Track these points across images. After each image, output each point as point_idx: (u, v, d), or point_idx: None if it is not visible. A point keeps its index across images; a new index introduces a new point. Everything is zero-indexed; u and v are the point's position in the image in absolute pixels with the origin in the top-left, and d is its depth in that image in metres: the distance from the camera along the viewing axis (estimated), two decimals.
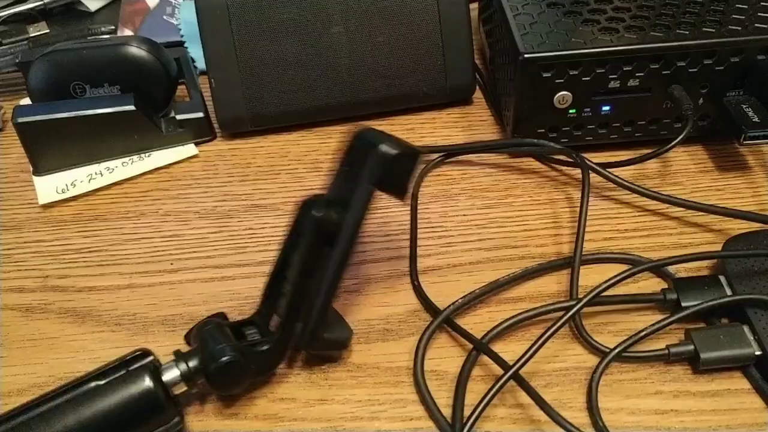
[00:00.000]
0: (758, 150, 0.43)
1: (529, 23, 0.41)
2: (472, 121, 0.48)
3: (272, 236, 0.40)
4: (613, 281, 0.32)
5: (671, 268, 0.35)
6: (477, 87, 0.50)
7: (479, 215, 0.40)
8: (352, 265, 0.37)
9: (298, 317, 0.30)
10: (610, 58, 0.39)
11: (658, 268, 0.34)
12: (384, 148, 0.30)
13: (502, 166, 0.44)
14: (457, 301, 0.34)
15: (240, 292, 0.37)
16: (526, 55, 0.39)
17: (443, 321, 0.33)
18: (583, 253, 0.36)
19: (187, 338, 0.31)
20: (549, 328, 0.30)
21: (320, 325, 0.30)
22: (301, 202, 0.32)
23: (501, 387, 0.29)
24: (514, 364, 0.29)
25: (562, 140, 0.43)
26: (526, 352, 0.30)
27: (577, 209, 0.40)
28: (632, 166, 0.42)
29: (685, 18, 0.40)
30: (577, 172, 0.42)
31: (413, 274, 0.36)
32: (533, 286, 0.36)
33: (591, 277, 0.36)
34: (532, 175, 0.43)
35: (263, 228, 0.40)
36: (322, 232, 0.30)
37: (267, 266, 0.38)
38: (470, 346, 0.33)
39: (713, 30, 0.39)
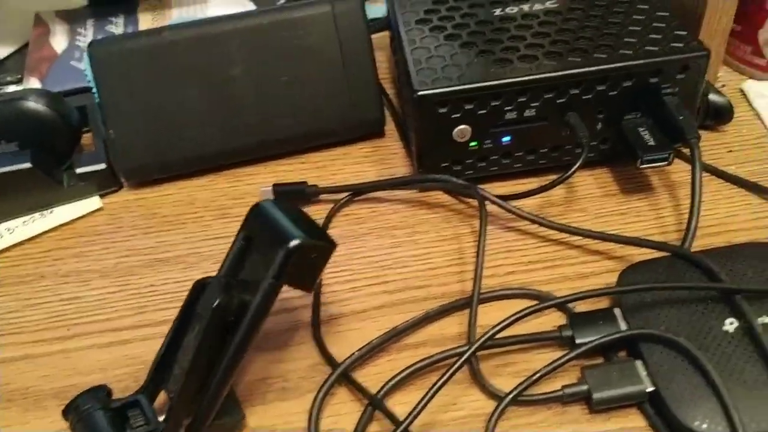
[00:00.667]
0: (662, 170, 0.43)
1: (426, 57, 0.41)
2: (384, 155, 0.47)
3: (174, 292, 0.39)
4: (503, 324, 0.32)
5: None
6: (391, 118, 0.50)
7: (386, 255, 0.40)
8: None
9: (188, 407, 0.29)
10: (503, 90, 0.39)
11: (550, 307, 0.34)
12: (295, 244, 0.28)
13: (411, 201, 0.43)
14: (353, 354, 0.33)
15: (137, 357, 0.36)
16: (420, 93, 0.38)
17: (339, 377, 0.32)
18: (484, 291, 0.36)
19: (66, 414, 0.30)
20: (438, 381, 0.29)
21: (210, 416, 0.29)
22: (197, 284, 0.30)
23: None
24: (403, 422, 0.29)
25: (467, 172, 0.42)
26: (415, 407, 0.29)
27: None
28: (538, 194, 0.42)
29: (579, 44, 0.40)
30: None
31: (315, 325, 0.36)
32: (435, 328, 0.36)
33: (493, 314, 0.35)
34: (440, 209, 0.42)
35: (165, 284, 0.39)
36: (219, 320, 0.29)
37: (166, 326, 0.37)
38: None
39: (605, 56, 0.39)
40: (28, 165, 0.43)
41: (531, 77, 0.38)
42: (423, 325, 0.35)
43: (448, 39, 0.42)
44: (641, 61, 0.38)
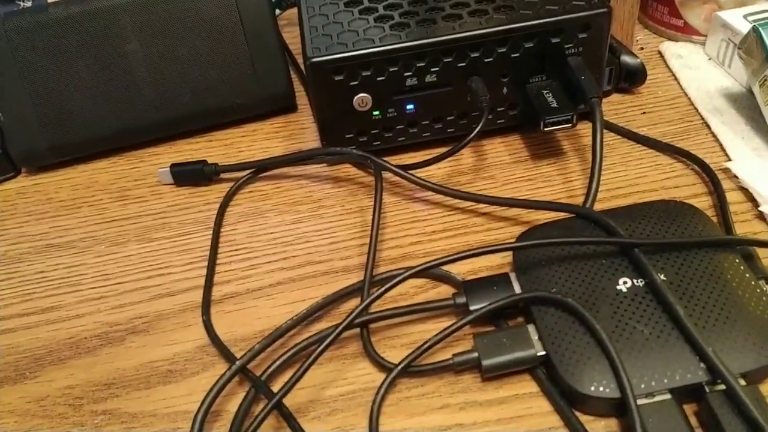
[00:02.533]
0: (573, 133, 0.42)
1: (323, 24, 0.39)
2: (294, 130, 0.46)
3: (63, 278, 0.37)
4: (378, 293, 0.30)
5: (457, 274, 0.34)
6: (304, 92, 0.48)
7: (287, 231, 0.38)
8: (142, 302, 0.35)
9: None
10: (399, 55, 0.37)
11: (430, 269, 0.32)
12: None
13: (317, 176, 0.42)
14: (254, 347, 0.30)
15: (17, 346, 0.34)
16: (313, 60, 0.37)
17: (235, 373, 0.30)
18: (383, 269, 0.35)
19: None
20: (309, 357, 0.28)
21: None
22: None
23: (261, 420, 0.27)
24: (275, 395, 0.27)
25: (374, 143, 0.41)
26: (287, 382, 0.28)
27: (388, 215, 0.38)
28: (448, 162, 0.41)
29: (480, 5, 0.39)
30: (391, 177, 0.40)
31: (204, 307, 0.34)
32: (332, 304, 0.34)
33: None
34: (347, 182, 0.41)
35: (55, 269, 0.38)
36: None
37: (52, 312, 0.35)
38: None
39: (504, 17, 0.38)
40: None
41: (426, 41, 0.37)
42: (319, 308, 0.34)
43: (349, 5, 0.41)
44: (541, 21, 0.37)
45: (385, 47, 0.37)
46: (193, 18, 0.42)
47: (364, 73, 0.38)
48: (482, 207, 0.38)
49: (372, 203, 0.39)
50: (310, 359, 0.28)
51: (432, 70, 0.38)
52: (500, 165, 0.41)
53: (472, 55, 0.38)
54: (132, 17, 0.42)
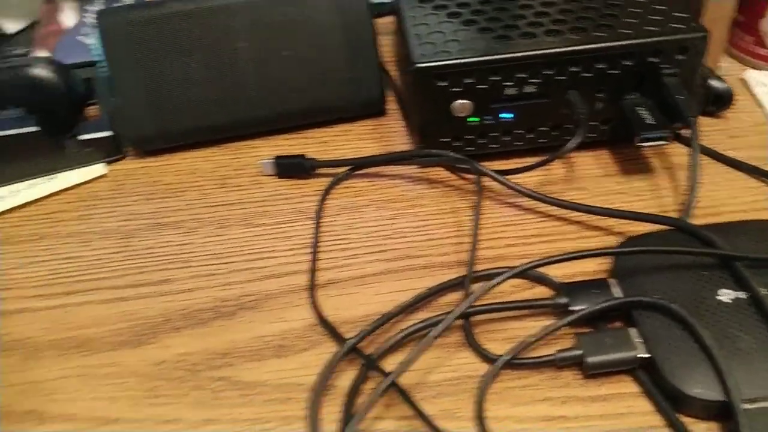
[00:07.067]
0: (662, 151, 0.43)
1: (427, 33, 0.41)
2: (385, 133, 0.48)
3: (173, 254, 0.39)
4: (493, 284, 0.32)
5: (555, 277, 0.35)
6: (393, 98, 0.50)
7: (384, 226, 0.40)
8: (250, 281, 0.37)
9: None
10: (502, 65, 0.39)
11: (531, 270, 0.33)
12: None
13: (411, 177, 0.43)
14: (365, 328, 0.32)
15: (133, 313, 0.36)
16: (418, 65, 0.39)
17: (348, 351, 0.32)
18: (479, 267, 0.36)
19: None
20: (425, 337, 0.30)
21: None
22: None
23: (379, 396, 0.29)
24: (390, 374, 0.29)
25: (467, 149, 0.43)
26: (402, 362, 0.29)
27: (482, 217, 0.40)
28: (538, 172, 0.42)
29: (579, 23, 0.41)
30: (483, 181, 0.42)
31: (310, 290, 0.36)
32: (432, 298, 0.36)
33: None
34: (440, 184, 0.43)
35: (164, 246, 0.40)
36: None
37: (164, 285, 0.38)
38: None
39: (605, 34, 0.40)
40: (34, 128, 0.43)
41: (529, 53, 0.39)
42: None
43: (451, 17, 0.43)
44: (640, 41, 0.39)
45: (489, 57, 0.39)
46: (299, 22, 0.45)
47: (466, 81, 0.40)
48: (575, 216, 0.39)
49: (465, 205, 0.41)
50: (423, 342, 0.29)
51: (532, 81, 0.40)
52: (591, 177, 0.42)
53: (572, 70, 0.40)
54: (244, 17, 0.44)
